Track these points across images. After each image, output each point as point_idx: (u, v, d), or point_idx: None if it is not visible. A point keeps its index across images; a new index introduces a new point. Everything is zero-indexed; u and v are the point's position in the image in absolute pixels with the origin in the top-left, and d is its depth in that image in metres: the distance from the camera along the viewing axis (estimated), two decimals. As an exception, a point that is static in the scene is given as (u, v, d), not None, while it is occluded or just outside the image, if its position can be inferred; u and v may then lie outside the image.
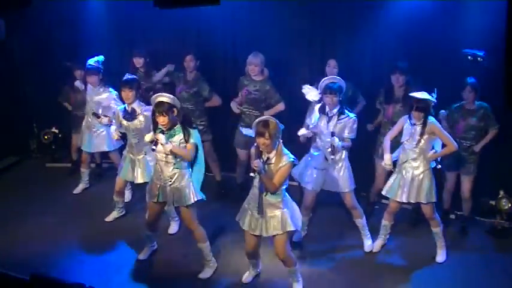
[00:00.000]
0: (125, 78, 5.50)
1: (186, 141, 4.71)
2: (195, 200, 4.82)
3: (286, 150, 4.40)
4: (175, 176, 4.79)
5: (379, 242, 5.47)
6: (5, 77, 7.28)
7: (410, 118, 5.06)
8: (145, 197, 5.07)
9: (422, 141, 5.01)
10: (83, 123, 6.46)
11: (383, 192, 5.33)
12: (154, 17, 6.11)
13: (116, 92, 6.07)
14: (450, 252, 5.36)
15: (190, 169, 4.87)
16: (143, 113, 5.42)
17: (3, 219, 5.92)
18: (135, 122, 5.48)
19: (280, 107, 6.02)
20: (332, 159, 5.19)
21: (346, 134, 5.18)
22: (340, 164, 5.27)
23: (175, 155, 4.71)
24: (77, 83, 6.59)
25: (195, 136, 4.76)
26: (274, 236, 4.54)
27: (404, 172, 5.14)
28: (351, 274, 5.12)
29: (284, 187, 4.46)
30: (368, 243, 5.47)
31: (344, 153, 5.26)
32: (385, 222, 5.38)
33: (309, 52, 6.49)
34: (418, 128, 5.00)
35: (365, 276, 5.10)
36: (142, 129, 5.40)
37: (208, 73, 6.47)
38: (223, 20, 6.48)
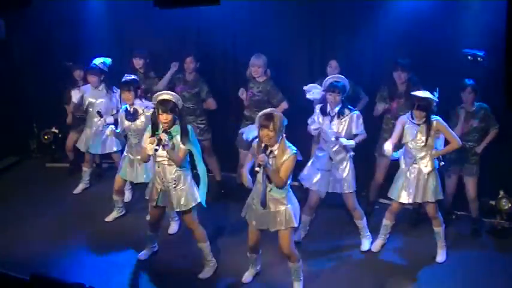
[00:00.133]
0: (124, 79, 5.49)
1: (183, 143, 4.63)
2: (198, 201, 4.80)
3: (289, 143, 4.39)
4: (179, 178, 4.74)
5: (379, 242, 5.46)
6: (5, 77, 7.28)
7: (411, 117, 5.05)
8: (145, 197, 5.04)
9: (430, 139, 5.01)
10: (86, 126, 6.40)
11: (388, 194, 5.32)
12: (154, 17, 6.11)
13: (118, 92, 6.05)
14: (450, 252, 5.36)
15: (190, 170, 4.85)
16: (145, 113, 5.43)
17: (3, 219, 5.93)
18: (137, 122, 5.48)
19: (284, 105, 5.99)
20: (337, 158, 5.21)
21: (354, 131, 5.20)
22: (344, 165, 5.28)
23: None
24: (82, 88, 6.43)
25: (191, 138, 4.67)
26: (278, 231, 4.53)
27: (408, 173, 5.13)
28: (351, 274, 5.12)
29: (289, 182, 4.45)
30: (366, 244, 5.46)
31: (348, 154, 5.26)
32: (387, 222, 5.37)
33: (309, 52, 6.49)
34: (424, 127, 5.00)
35: (365, 276, 5.10)
36: (143, 130, 5.38)
37: (208, 73, 6.48)
38: (223, 20, 6.47)
